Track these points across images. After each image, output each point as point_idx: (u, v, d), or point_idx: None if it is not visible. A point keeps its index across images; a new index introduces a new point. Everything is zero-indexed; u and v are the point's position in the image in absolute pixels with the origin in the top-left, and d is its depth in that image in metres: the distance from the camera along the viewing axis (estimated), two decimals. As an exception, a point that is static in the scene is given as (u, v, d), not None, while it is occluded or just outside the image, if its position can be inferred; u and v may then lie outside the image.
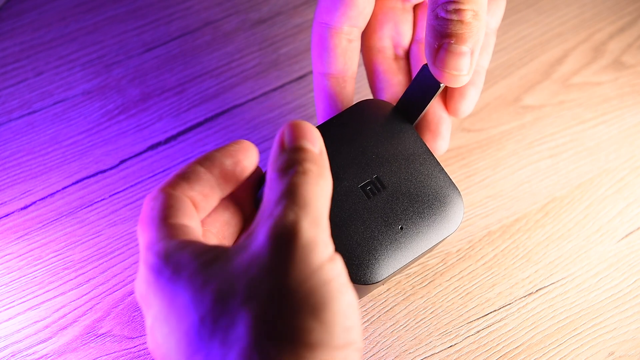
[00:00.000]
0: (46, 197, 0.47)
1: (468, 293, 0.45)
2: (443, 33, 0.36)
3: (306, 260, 0.27)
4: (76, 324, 0.43)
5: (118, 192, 0.48)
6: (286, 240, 0.28)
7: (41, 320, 0.43)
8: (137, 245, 0.46)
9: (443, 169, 0.40)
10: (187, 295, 0.28)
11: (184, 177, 0.33)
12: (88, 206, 0.47)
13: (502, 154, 0.50)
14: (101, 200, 0.47)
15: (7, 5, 0.54)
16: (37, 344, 0.42)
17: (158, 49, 0.53)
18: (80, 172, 0.48)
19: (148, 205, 0.32)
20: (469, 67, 0.36)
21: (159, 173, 0.48)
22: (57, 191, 0.47)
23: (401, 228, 0.38)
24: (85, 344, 0.42)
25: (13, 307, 0.43)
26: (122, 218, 0.47)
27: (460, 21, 0.36)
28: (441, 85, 0.38)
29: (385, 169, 0.39)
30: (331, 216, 0.37)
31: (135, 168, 0.48)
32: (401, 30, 0.44)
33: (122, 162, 0.49)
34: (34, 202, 0.47)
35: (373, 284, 0.37)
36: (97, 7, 0.54)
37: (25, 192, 0.47)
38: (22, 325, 0.43)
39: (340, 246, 0.37)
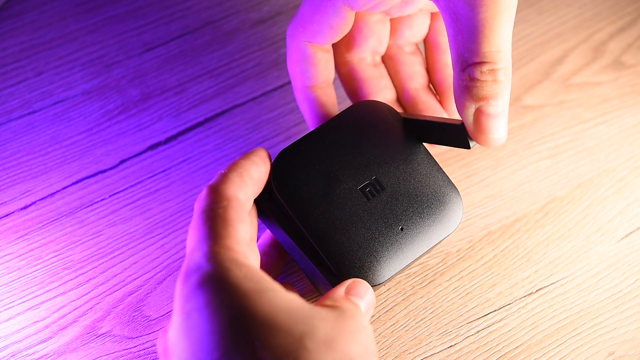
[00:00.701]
0: (46, 197, 0.47)
1: (468, 293, 0.45)
2: (479, 95, 0.36)
3: (359, 328, 0.32)
4: (76, 324, 0.43)
5: (118, 192, 0.48)
6: (353, 310, 0.33)
7: (41, 320, 0.43)
8: (137, 245, 0.46)
9: (441, 169, 0.40)
10: (232, 312, 0.30)
11: (242, 177, 0.35)
12: (88, 206, 0.47)
13: (502, 154, 0.50)
14: (101, 200, 0.47)
15: (7, 5, 0.54)
16: (37, 344, 0.42)
17: (158, 49, 0.53)
18: (80, 172, 0.48)
19: (216, 203, 0.33)
20: (505, 126, 0.36)
21: (159, 173, 0.48)
22: (57, 191, 0.47)
23: (402, 229, 0.38)
24: (85, 344, 0.42)
25: (13, 307, 0.43)
26: (122, 218, 0.47)
27: (495, 81, 0.35)
28: (472, 145, 0.38)
29: (383, 169, 0.39)
30: (331, 219, 0.37)
31: (135, 168, 0.48)
32: (382, 41, 0.45)
33: (122, 162, 0.49)
34: (34, 202, 0.47)
35: (377, 285, 0.37)
36: (97, 7, 0.54)
37: (25, 192, 0.47)
38: (22, 325, 0.43)
39: (342, 249, 0.37)
